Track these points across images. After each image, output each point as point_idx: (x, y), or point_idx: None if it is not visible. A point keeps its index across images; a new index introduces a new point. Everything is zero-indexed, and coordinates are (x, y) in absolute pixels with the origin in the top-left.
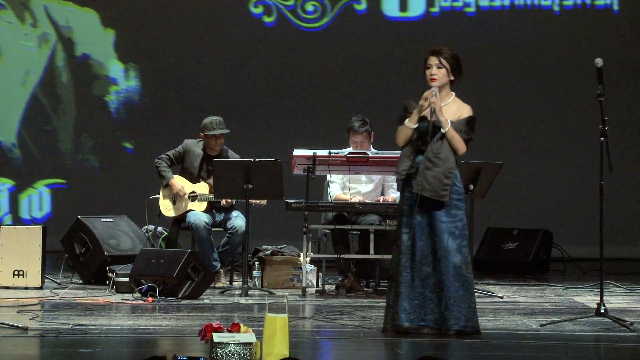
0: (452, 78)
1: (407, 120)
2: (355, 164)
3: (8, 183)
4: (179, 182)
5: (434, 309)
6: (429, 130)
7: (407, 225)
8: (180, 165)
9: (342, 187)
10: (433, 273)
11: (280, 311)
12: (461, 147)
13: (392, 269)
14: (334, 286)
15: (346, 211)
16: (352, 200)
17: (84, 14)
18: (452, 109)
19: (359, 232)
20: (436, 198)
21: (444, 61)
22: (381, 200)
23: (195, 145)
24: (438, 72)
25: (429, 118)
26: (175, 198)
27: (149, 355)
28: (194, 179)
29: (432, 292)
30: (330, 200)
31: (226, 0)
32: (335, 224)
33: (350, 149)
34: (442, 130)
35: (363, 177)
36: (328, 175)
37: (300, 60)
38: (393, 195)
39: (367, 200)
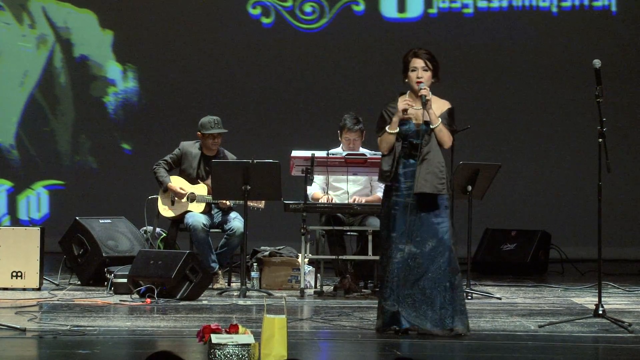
0: (434, 80)
1: (387, 127)
2: (353, 165)
3: (6, 184)
4: (178, 183)
5: (428, 310)
6: (421, 130)
7: (395, 229)
8: (179, 167)
9: (321, 188)
10: (426, 274)
11: (278, 312)
12: (448, 140)
13: (382, 272)
14: (332, 287)
15: (344, 212)
16: (329, 200)
17: (82, 15)
18: (434, 107)
19: (357, 234)
20: (435, 192)
21: (429, 63)
22: (364, 201)
23: (192, 147)
24: (424, 74)
25: (421, 118)
26: (173, 199)
27: (155, 351)
28: (192, 180)
29: (424, 294)
30: (309, 200)
31: (224, 1)
32: (332, 225)
33: (339, 149)
34: (432, 126)
35: (350, 177)
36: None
37: (298, 61)
38: (379, 194)
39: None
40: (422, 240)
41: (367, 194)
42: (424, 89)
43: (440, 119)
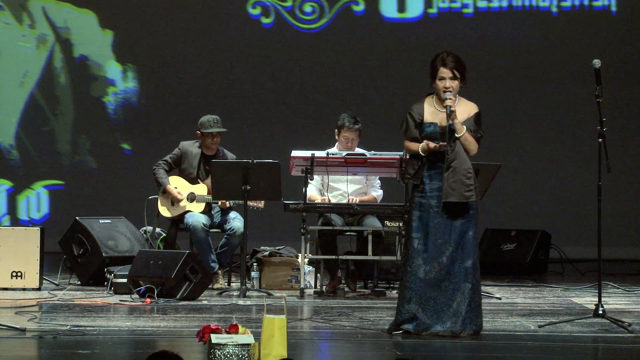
0: (461, 85)
1: (422, 145)
2: (353, 165)
3: (6, 184)
4: (178, 183)
5: (448, 313)
6: (446, 135)
7: (418, 230)
8: (178, 167)
9: (318, 189)
10: (447, 276)
11: (278, 312)
12: (474, 147)
13: (402, 273)
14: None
15: (343, 212)
16: (326, 201)
17: (82, 15)
18: (460, 110)
19: (355, 234)
20: (463, 200)
21: (456, 72)
22: (357, 201)
23: (191, 146)
24: (452, 83)
25: (446, 121)
26: (173, 200)
27: (155, 351)
28: (192, 180)
29: (447, 296)
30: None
31: (224, 1)
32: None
33: (334, 149)
34: (457, 135)
35: (348, 177)
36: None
37: (298, 62)
38: (374, 193)
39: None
40: (445, 242)
41: (364, 192)
42: (450, 98)
43: (465, 127)
